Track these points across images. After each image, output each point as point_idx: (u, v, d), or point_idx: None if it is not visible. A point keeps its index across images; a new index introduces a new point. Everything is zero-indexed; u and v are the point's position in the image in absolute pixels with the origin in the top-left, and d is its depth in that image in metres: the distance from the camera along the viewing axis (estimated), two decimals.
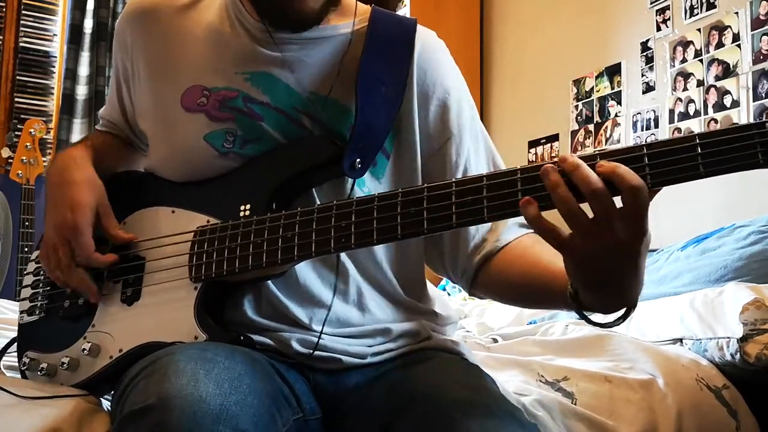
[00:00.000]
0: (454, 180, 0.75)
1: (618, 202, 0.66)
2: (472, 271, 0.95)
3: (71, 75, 3.59)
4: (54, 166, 0.98)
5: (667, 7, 2.45)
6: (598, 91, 2.79)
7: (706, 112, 2.27)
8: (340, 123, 0.92)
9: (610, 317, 0.74)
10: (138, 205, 0.97)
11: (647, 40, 2.54)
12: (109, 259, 0.91)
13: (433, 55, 0.98)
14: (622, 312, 0.73)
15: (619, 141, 2.67)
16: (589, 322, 0.76)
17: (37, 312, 0.99)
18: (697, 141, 0.65)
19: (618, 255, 0.67)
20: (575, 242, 0.68)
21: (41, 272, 1.01)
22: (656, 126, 2.48)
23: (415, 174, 0.96)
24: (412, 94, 0.94)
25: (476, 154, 0.99)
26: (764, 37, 2.09)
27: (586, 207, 0.68)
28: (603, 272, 0.69)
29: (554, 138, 3.01)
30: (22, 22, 3.64)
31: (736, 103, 2.16)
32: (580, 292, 0.74)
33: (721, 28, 2.24)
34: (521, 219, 0.71)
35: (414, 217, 0.75)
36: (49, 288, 0.99)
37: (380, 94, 0.91)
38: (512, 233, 0.93)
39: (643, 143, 0.67)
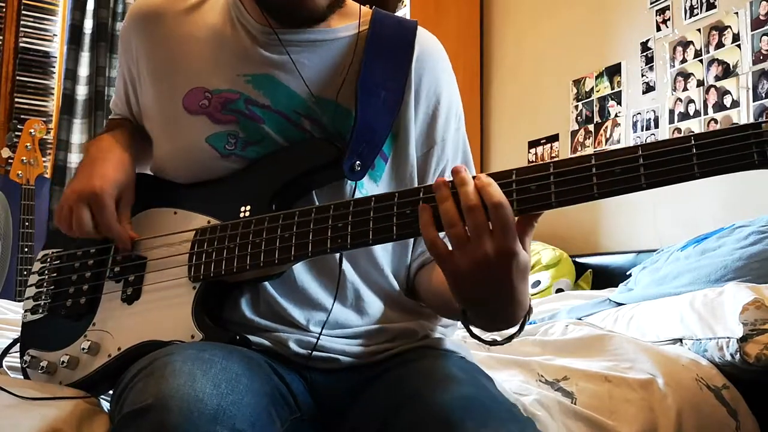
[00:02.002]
0: (451, 180, 0.76)
1: None
2: (411, 276, 0.99)
3: (71, 75, 3.59)
4: (96, 143, 1.00)
5: (667, 7, 2.46)
6: (598, 91, 2.79)
7: (706, 112, 2.27)
8: (341, 125, 0.92)
9: (500, 335, 0.78)
10: (141, 205, 0.98)
11: (647, 40, 2.54)
12: (130, 234, 0.92)
13: (430, 60, 0.98)
14: (511, 332, 0.77)
15: (619, 141, 2.67)
16: (477, 339, 0.79)
17: (40, 311, 0.99)
18: (693, 142, 0.65)
19: (487, 272, 0.70)
20: (453, 256, 0.71)
21: (45, 271, 1.02)
22: (656, 126, 2.48)
23: (412, 176, 0.96)
24: (409, 97, 0.95)
25: (453, 164, 0.99)
26: (764, 37, 2.09)
27: None
28: (476, 289, 0.72)
29: (554, 138, 3.01)
30: (22, 22, 3.64)
31: (736, 103, 2.16)
32: (467, 310, 0.77)
33: (721, 28, 2.24)
34: None
35: (410, 218, 0.76)
36: (52, 287, 1.00)
37: (380, 98, 0.91)
38: None
39: (639, 144, 0.68)
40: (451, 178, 0.72)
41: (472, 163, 1.04)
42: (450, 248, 0.71)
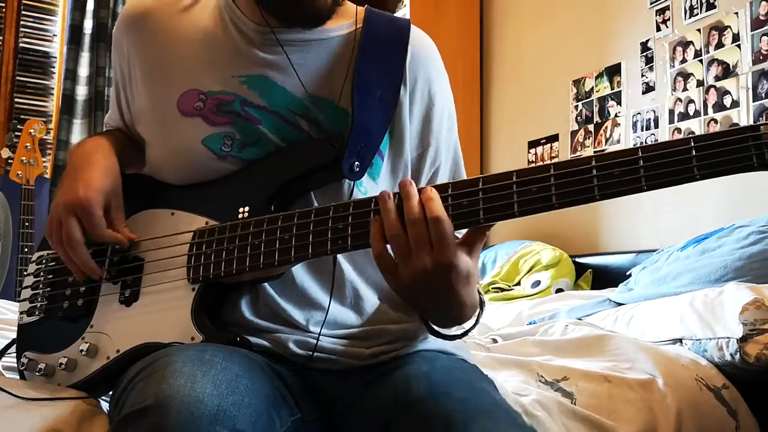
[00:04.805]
0: (450, 182, 0.77)
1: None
2: None
3: (71, 75, 3.59)
4: (79, 149, 0.98)
5: (667, 8, 2.45)
6: (597, 92, 2.78)
7: (706, 113, 2.27)
8: (337, 125, 0.92)
9: (452, 331, 0.83)
10: (138, 206, 0.97)
11: (647, 41, 2.54)
12: (125, 237, 0.91)
13: (425, 60, 0.99)
14: (466, 327, 0.82)
15: (619, 141, 2.67)
16: (435, 334, 0.84)
17: (37, 313, 0.99)
18: (692, 144, 0.66)
19: (428, 283, 0.73)
20: (397, 269, 0.74)
21: (41, 273, 1.01)
22: (656, 126, 2.48)
23: (407, 173, 0.97)
24: (405, 96, 0.95)
25: (445, 165, 1.02)
26: (764, 38, 2.09)
27: None
28: (420, 298, 0.76)
29: (554, 138, 3.01)
30: (22, 22, 3.64)
31: (735, 104, 2.16)
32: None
33: (720, 28, 2.24)
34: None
35: None
36: (49, 288, 0.99)
37: (376, 97, 0.91)
38: None
39: (638, 146, 0.68)
40: (411, 186, 0.75)
41: (462, 165, 1.05)
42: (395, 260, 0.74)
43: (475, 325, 0.82)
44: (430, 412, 0.74)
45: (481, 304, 0.83)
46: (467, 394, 0.78)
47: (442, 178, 1.01)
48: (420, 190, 0.75)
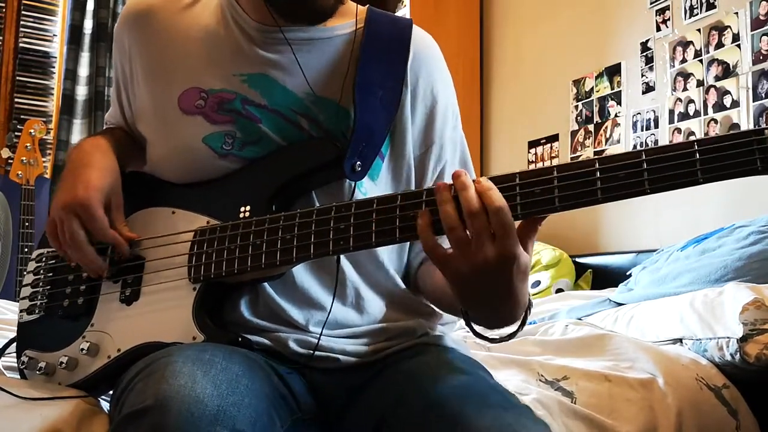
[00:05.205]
0: (452, 184, 0.76)
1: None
2: (413, 270, 1.00)
3: (71, 75, 3.59)
4: (77, 149, 0.98)
5: (667, 7, 2.45)
6: (597, 92, 2.78)
7: (706, 113, 2.27)
8: (338, 125, 0.92)
9: (497, 334, 0.80)
10: (139, 205, 0.97)
11: (647, 41, 2.54)
12: (125, 236, 0.91)
13: (427, 59, 0.99)
14: (512, 329, 0.78)
15: (619, 141, 2.67)
16: (478, 336, 0.81)
17: (37, 311, 0.99)
18: (696, 148, 0.65)
19: (488, 275, 0.71)
20: (454, 259, 0.71)
21: (41, 271, 1.01)
22: (656, 126, 2.48)
23: (409, 175, 0.97)
24: (406, 96, 0.95)
25: (451, 164, 1.01)
26: (764, 38, 2.09)
27: None
28: (477, 291, 0.73)
29: (554, 138, 3.01)
30: (22, 22, 3.64)
31: (735, 104, 2.16)
32: (468, 310, 0.78)
33: (720, 28, 2.24)
34: None
35: (412, 220, 0.76)
36: (49, 287, 0.99)
37: (378, 97, 0.91)
38: None
39: (642, 149, 0.68)
40: (451, 182, 0.73)
41: (470, 162, 1.04)
42: (449, 251, 0.72)
43: (521, 327, 0.78)
44: (426, 400, 0.74)
45: (529, 305, 0.79)
46: (462, 379, 0.78)
47: (450, 177, 1.00)
48: (474, 181, 0.72)
